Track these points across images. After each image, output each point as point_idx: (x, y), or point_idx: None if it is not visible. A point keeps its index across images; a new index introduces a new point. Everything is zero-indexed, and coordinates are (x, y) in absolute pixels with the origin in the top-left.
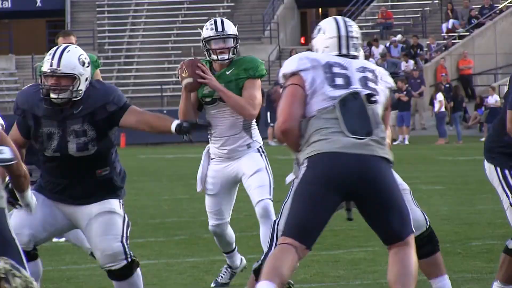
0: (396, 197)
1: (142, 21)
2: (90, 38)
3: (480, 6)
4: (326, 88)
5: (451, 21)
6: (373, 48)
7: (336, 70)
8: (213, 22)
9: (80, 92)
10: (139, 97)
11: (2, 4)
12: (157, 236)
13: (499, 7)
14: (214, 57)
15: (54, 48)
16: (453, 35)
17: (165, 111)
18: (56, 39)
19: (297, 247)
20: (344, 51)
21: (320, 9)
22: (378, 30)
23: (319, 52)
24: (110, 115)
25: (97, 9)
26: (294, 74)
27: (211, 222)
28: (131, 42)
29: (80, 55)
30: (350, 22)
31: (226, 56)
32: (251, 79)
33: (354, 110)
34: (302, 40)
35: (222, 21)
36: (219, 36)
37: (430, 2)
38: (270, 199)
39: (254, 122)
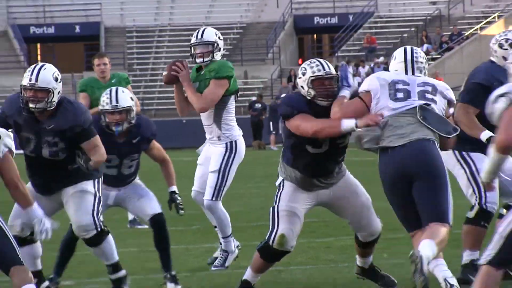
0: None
1: (165, 45)
2: (121, 59)
3: (450, 33)
4: (389, 102)
5: (425, 45)
6: (360, 68)
7: (399, 86)
8: (197, 31)
9: (54, 102)
10: (163, 109)
11: (46, 29)
12: (177, 226)
13: (465, 34)
14: (196, 60)
15: (32, 66)
16: (427, 57)
17: (184, 121)
18: (93, 60)
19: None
20: (409, 73)
21: (315, 35)
22: (364, 53)
23: (391, 73)
24: (76, 134)
25: (127, 34)
26: (367, 91)
27: (193, 188)
28: (156, 62)
29: (54, 72)
30: (417, 50)
31: (202, 60)
32: (213, 80)
33: (433, 115)
34: (300, 62)
35: (203, 30)
36: (197, 43)
37: (408, 29)
38: (211, 199)
39: (228, 118)
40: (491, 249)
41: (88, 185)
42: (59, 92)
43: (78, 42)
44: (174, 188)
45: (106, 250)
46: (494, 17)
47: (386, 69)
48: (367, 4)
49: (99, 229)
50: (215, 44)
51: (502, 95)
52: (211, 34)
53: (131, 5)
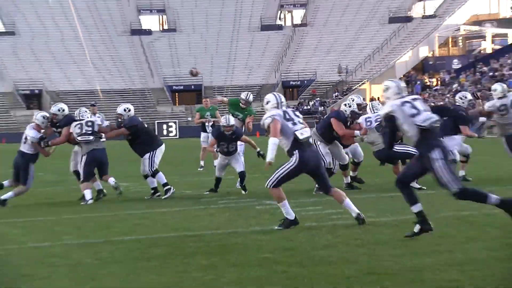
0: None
1: (228, 93)
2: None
3: (346, 88)
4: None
5: (336, 93)
6: (310, 103)
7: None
8: (245, 94)
9: (122, 118)
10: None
11: (179, 87)
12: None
13: (353, 89)
14: (241, 105)
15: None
16: (338, 100)
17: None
18: (203, 98)
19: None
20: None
21: (291, 89)
22: (311, 97)
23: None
24: (127, 128)
25: (212, 89)
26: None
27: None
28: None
29: (123, 108)
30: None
31: (244, 106)
32: (250, 115)
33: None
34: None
35: (248, 94)
36: (244, 100)
37: (327, 87)
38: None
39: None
40: (273, 180)
41: (145, 156)
42: (128, 116)
43: (192, 92)
44: (258, 149)
45: (159, 178)
46: (364, 81)
47: (322, 103)
48: (311, 76)
49: (151, 172)
50: (250, 102)
51: (269, 116)
52: (250, 96)
53: (215, 75)
